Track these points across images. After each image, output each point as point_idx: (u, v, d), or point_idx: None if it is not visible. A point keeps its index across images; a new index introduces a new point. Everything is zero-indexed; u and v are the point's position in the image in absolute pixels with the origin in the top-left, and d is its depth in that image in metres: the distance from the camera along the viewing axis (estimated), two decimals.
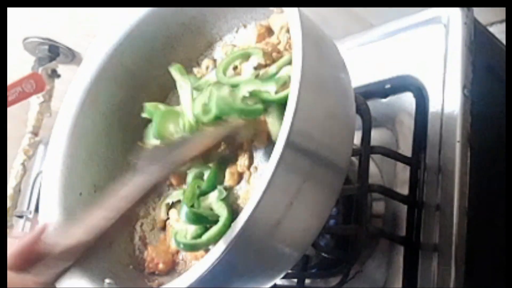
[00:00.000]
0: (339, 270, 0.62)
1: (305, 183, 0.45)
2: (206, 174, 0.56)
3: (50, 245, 0.52)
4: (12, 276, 0.48)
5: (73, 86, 0.66)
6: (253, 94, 0.52)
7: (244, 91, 0.52)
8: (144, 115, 0.62)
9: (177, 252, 0.58)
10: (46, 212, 0.61)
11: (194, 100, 0.57)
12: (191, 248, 0.52)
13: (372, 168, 0.64)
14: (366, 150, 0.60)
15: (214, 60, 0.65)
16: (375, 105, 0.66)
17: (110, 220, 0.51)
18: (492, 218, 0.62)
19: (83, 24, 1.03)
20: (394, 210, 0.63)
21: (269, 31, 0.59)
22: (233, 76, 0.58)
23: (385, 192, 0.62)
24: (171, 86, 0.67)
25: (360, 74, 0.68)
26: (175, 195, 0.60)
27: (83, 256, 0.57)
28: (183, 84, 0.60)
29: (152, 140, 0.61)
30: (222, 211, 0.52)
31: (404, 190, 0.61)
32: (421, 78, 0.65)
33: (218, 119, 0.53)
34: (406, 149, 0.63)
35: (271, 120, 0.51)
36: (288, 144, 0.43)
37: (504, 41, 0.68)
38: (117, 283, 0.55)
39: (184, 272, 0.46)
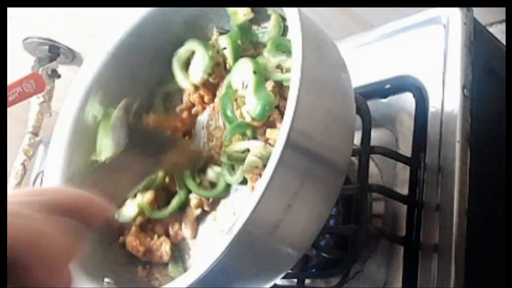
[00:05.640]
0: (339, 270, 0.62)
1: (305, 184, 0.45)
2: None
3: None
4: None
5: (74, 85, 0.66)
6: None
7: None
8: None
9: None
10: None
11: None
12: None
13: (372, 168, 0.64)
14: (366, 150, 0.60)
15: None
16: (375, 105, 0.66)
17: None
18: (492, 218, 0.62)
19: (84, 24, 1.03)
20: (394, 210, 0.63)
21: None
22: None
23: (385, 192, 0.62)
24: (173, 85, 0.67)
25: (360, 74, 0.68)
26: None
27: (82, 256, 0.57)
28: None
29: None
30: None
31: (404, 190, 0.61)
32: (421, 78, 0.65)
33: None
34: (406, 149, 0.63)
35: None
36: (288, 144, 0.43)
37: (503, 41, 0.68)
38: (116, 282, 0.55)
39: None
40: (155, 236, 0.59)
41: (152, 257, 0.59)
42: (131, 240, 0.59)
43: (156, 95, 0.66)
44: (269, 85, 0.54)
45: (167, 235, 0.59)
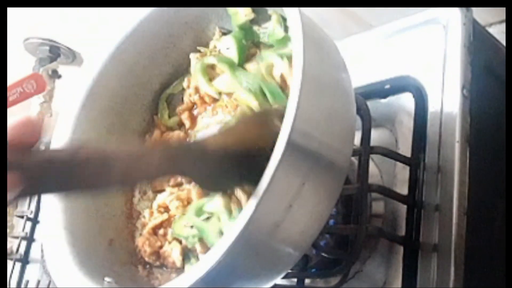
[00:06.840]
0: (339, 270, 0.62)
1: (305, 184, 0.45)
2: None
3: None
4: None
5: (75, 85, 0.66)
6: None
7: None
8: None
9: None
10: (48, 208, 0.61)
11: None
12: None
13: (372, 168, 0.64)
14: (366, 150, 0.60)
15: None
16: (375, 105, 0.66)
17: None
18: (492, 218, 0.62)
19: (84, 24, 1.03)
20: (394, 210, 0.63)
21: None
22: None
23: (385, 192, 0.62)
24: (177, 87, 0.67)
25: (360, 75, 0.68)
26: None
27: (83, 255, 0.57)
28: None
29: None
30: None
31: (404, 190, 0.61)
32: (421, 79, 0.65)
33: None
34: (405, 149, 0.63)
35: None
36: (289, 144, 0.43)
37: (503, 42, 0.68)
38: (117, 281, 0.55)
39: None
40: (166, 243, 0.59)
41: (166, 262, 0.59)
42: (142, 241, 0.60)
43: (160, 99, 0.67)
44: None
45: (179, 240, 0.59)
